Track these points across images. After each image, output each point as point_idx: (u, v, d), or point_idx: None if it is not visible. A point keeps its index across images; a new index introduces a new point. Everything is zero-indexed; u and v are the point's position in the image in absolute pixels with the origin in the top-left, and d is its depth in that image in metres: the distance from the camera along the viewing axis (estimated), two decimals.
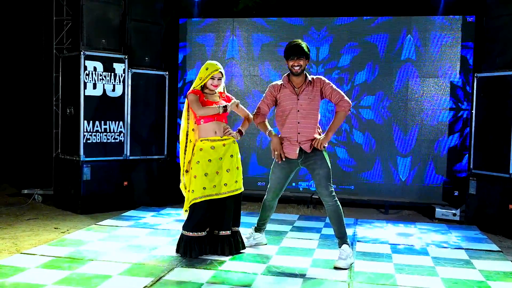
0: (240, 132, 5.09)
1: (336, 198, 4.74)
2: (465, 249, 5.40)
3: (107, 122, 7.01)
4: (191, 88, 4.95)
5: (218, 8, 8.53)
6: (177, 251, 4.93)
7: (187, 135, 4.96)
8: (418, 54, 7.73)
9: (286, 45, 4.88)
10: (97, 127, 6.91)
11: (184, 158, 4.97)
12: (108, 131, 7.02)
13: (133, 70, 7.25)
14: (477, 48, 7.44)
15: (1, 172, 8.09)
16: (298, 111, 4.82)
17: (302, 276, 4.37)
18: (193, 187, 4.85)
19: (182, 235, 4.91)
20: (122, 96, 7.16)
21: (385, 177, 7.86)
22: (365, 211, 7.58)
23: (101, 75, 6.94)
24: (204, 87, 4.94)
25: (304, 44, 4.82)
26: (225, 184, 4.89)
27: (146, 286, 4.01)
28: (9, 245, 5.16)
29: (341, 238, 4.72)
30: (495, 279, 4.41)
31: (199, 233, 4.86)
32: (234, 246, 4.99)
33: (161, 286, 4.05)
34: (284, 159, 4.87)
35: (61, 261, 4.59)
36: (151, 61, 7.55)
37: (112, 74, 7.05)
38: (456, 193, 7.57)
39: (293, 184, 8.03)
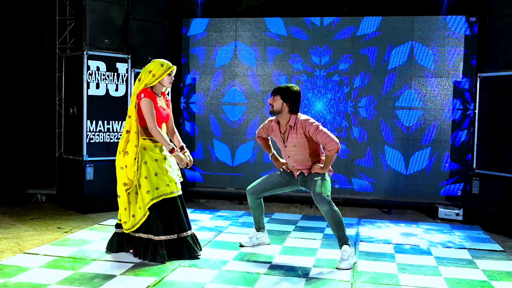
0: (182, 148, 4.97)
1: (333, 204, 4.67)
2: (468, 249, 5.39)
3: (110, 122, 7.02)
4: (142, 85, 4.76)
5: (221, 8, 8.53)
6: (143, 257, 4.69)
7: (137, 134, 4.75)
8: (421, 54, 7.71)
9: None
10: (100, 126, 6.92)
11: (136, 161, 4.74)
12: (111, 130, 7.02)
13: (136, 70, 7.25)
14: (480, 48, 7.43)
15: (4, 172, 8.10)
16: (289, 157, 4.95)
17: (305, 275, 4.37)
18: (148, 188, 4.67)
19: (146, 240, 4.71)
20: (125, 96, 7.16)
21: (388, 177, 7.85)
22: (368, 210, 7.57)
23: (104, 75, 6.95)
24: (154, 85, 4.82)
25: (286, 85, 4.83)
26: (176, 183, 4.78)
27: (149, 286, 4.02)
28: (12, 245, 5.17)
29: (340, 240, 4.71)
30: (498, 279, 4.41)
31: (171, 235, 4.72)
32: (195, 247, 4.86)
33: (164, 286, 4.05)
34: (285, 171, 5.05)
35: (64, 261, 4.60)
36: None
37: (115, 73, 7.06)
38: (459, 193, 7.56)
39: None
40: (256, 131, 5.27)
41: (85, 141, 6.79)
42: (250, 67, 8.30)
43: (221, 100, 8.38)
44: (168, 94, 4.98)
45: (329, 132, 4.68)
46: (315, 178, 4.78)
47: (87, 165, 6.81)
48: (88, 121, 6.82)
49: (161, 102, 4.88)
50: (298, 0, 8.35)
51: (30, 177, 8.17)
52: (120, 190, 4.83)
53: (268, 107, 8.11)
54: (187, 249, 4.77)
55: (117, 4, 7.13)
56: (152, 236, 4.68)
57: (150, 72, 4.78)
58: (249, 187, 5.17)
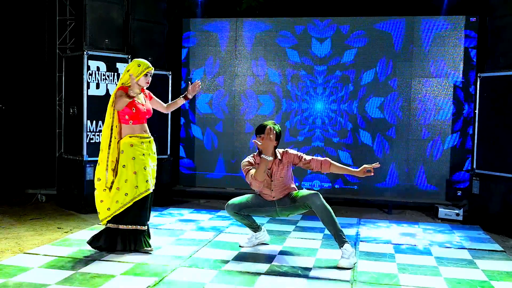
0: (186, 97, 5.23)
1: (323, 199, 4.74)
2: (468, 249, 5.39)
3: None
4: (119, 84, 4.88)
5: (221, 8, 8.54)
6: (128, 248, 4.88)
7: (111, 130, 4.86)
8: (421, 54, 7.72)
9: None
10: (100, 127, 6.91)
11: (109, 154, 4.84)
12: None
13: None
14: (481, 48, 7.43)
15: (4, 172, 8.10)
16: (272, 190, 4.99)
17: (305, 275, 4.37)
18: (136, 182, 4.81)
19: (138, 231, 4.89)
20: None
21: (387, 177, 7.85)
22: (368, 211, 7.57)
23: (104, 75, 6.95)
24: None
25: (273, 125, 4.91)
26: (153, 179, 4.97)
27: (149, 286, 4.02)
28: (13, 245, 5.17)
29: (339, 237, 4.70)
30: (498, 279, 4.41)
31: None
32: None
33: (164, 286, 4.05)
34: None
35: (64, 261, 4.60)
36: (154, 61, 7.51)
37: (115, 74, 7.05)
38: (459, 193, 7.56)
39: (297, 184, 8.01)
40: (247, 171, 4.86)
41: (85, 141, 6.79)
42: (250, 67, 8.30)
43: (220, 100, 8.38)
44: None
45: (312, 156, 4.99)
46: (293, 192, 4.98)
47: (87, 165, 6.81)
48: (88, 121, 6.82)
49: (139, 98, 4.95)
50: (298, 0, 8.35)
51: (30, 177, 8.17)
52: (96, 184, 4.97)
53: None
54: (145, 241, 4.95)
55: (117, 4, 7.13)
56: (138, 226, 4.88)
57: (128, 71, 4.85)
58: (228, 203, 5.11)
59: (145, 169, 4.85)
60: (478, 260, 4.95)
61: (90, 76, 6.82)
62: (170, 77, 7.73)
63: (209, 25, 8.42)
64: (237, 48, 8.33)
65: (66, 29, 7.80)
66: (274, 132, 4.67)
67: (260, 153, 4.89)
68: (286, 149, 5.04)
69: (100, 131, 6.91)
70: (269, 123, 4.91)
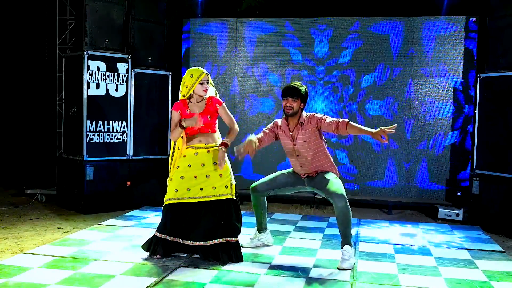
0: (224, 144, 4.80)
1: (347, 202, 4.67)
2: (468, 249, 5.39)
3: (110, 122, 7.02)
4: (181, 97, 4.86)
5: (222, 8, 8.54)
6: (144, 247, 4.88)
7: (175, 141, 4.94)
8: (421, 54, 7.72)
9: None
10: (100, 127, 6.92)
11: (170, 164, 4.97)
12: (111, 131, 7.02)
13: (136, 70, 7.26)
14: (481, 49, 7.43)
15: (4, 172, 8.11)
16: (298, 156, 4.90)
17: (305, 275, 4.37)
18: (168, 189, 4.82)
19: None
20: (125, 96, 7.17)
21: (388, 177, 7.85)
22: (368, 211, 7.57)
23: (104, 75, 6.95)
24: (191, 95, 4.83)
25: (300, 86, 4.83)
26: (201, 189, 4.75)
27: (149, 286, 4.01)
28: (12, 245, 5.17)
29: (346, 238, 4.68)
30: (498, 279, 4.40)
31: (167, 236, 4.76)
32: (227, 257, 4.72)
33: (164, 286, 4.05)
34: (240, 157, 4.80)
35: (64, 261, 4.60)
36: (154, 61, 7.56)
37: (115, 74, 7.06)
38: (459, 193, 7.56)
39: None
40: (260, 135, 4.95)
41: (85, 141, 6.79)
42: (250, 67, 8.30)
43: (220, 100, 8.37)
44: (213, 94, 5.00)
45: (333, 118, 4.78)
46: (326, 177, 4.82)
47: (87, 165, 6.81)
48: (88, 121, 6.82)
49: (194, 109, 4.84)
50: (299, 0, 8.35)
51: (30, 177, 8.17)
52: None
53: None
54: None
55: (117, 4, 7.13)
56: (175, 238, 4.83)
57: (184, 83, 4.81)
58: (253, 185, 5.11)
59: (181, 179, 4.76)
60: (478, 261, 4.95)
61: (90, 76, 6.82)
62: (170, 77, 7.73)
63: (209, 25, 8.42)
64: (237, 48, 8.33)
65: (66, 29, 7.80)
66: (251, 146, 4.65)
67: (286, 117, 4.89)
68: (313, 113, 4.89)
69: (100, 131, 6.92)
70: (297, 84, 4.81)
